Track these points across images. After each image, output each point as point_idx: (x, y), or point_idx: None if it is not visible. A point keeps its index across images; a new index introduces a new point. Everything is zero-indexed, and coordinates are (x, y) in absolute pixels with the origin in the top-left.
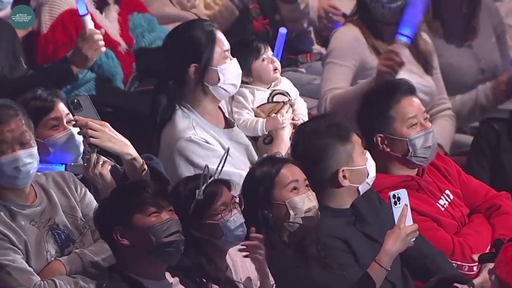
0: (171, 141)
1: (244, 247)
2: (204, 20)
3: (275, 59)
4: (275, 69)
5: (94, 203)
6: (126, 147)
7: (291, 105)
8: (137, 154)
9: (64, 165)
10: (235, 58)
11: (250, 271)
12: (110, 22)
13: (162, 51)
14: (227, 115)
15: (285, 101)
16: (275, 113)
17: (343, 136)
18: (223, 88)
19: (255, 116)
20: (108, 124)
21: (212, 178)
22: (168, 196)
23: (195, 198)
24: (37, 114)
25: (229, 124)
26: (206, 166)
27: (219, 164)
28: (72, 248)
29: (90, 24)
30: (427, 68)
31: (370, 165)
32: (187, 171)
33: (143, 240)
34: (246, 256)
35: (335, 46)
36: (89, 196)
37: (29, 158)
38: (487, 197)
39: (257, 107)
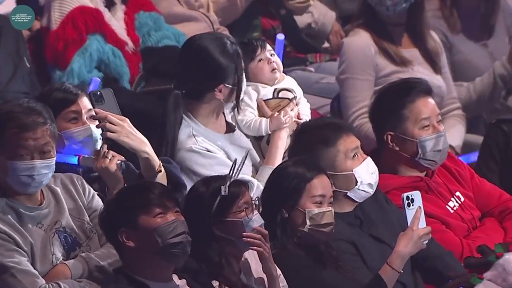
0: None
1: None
2: (227, 36)
3: (272, 58)
4: (273, 69)
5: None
6: (143, 144)
7: (297, 104)
8: (154, 154)
9: (77, 157)
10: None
11: (262, 274)
12: (117, 21)
13: (181, 63)
14: (228, 118)
15: (290, 98)
16: (280, 110)
17: (326, 139)
18: (239, 105)
19: (260, 111)
20: (128, 120)
21: (232, 179)
22: (174, 197)
23: (219, 196)
24: (58, 105)
25: (230, 128)
26: (235, 159)
27: (239, 164)
28: (78, 252)
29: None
30: (435, 67)
31: (365, 172)
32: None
33: (149, 241)
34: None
35: (350, 59)
36: (97, 200)
37: (46, 169)
38: (500, 201)
39: (264, 101)
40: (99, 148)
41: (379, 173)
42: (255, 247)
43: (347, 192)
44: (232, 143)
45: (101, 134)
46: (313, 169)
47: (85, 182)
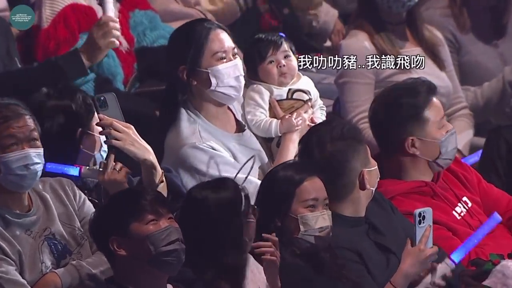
0: (174, 149)
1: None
2: (206, 19)
3: (283, 61)
4: (283, 74)
5: None
6: (148, 153)
7: (312, 106)
8: (157, 163)
9: (78, 168)
10: (237, 59)
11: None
12: None
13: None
14: (238, 117)
15: (305, 99)
16: (293, 112)
17: (359, 138)
18: (220, 92)
19: (272, 112)
20: (133, 127)
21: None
22: (168, 203)
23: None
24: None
25: (240, 127)
26: (253, 156)
27: (249, 170)
28: (69, 260)
29: (110, 11)
30: (439, 63)
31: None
32: (192, 180)
33: (141, 249)
34: (261, 255)
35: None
36: (88, 205)
37: (38, 158)
38: (509, 206)
39: (277, 101)
40: (104, 159)
41: (382, 179)
42: (268, 257)
43: (373, 190)
44: (241, 143)
45: (105, 142)
46: (303, 171)
47: (75, 187)
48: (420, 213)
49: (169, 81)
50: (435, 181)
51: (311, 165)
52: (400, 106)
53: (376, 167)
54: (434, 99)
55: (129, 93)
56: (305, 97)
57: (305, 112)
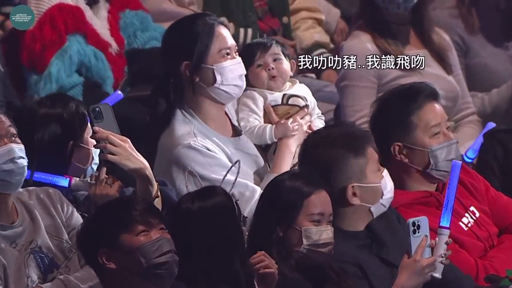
0: (168, 149)
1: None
2: (208, 14)
3: (272, 64)
4: (273, 77)
5: None
6: (144, 168)
7: (310, 114)
8: (153, 178)
9: (68, 179)
10: (239, 58)
11: None
12: (100, 20)
13: (160, 48)
14: (234, 121)
15: (301, 105)
16: (289, 117)
17: (356, 148)
18: (223, 90)
19: (266, 118)
20: (129, 141)
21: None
22: (159, 213)
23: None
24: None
25: (236, 132)
26: (238, 160)
27: (227, 173)
28: (56, 274)
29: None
30: (446, 67)
31: (386, 185)
32: (186, 182)
33: (132, 262)
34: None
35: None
36: (77, 216)
37: (22, 153)
38: None
39: (272, 107)
40: (96, 172)
41: None
42: (267, 270)
43: (371, 207)
44: (237, 148)
45: (99, 156)
46: (312, 183)
47: (63, 197)
48: (414, 222)
49: (164, 79)
50: (440, 191)
51: (319, 180)
52: (388, 109)
53: (377, 184)
54: (431, 104)
55: None
56: (302, 103)
57: (301, 118)
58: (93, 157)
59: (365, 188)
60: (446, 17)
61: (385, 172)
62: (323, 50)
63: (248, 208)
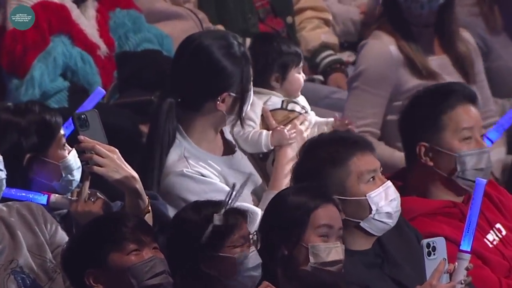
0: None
1: None
2: (229, 34)
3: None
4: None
5: None
6: (133, 181)
7: (309, 121)
8: (144, 192)
9: (45, 196)
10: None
11: None
12: (88, 20)
13: (175, 67)
14: (227, 135)
15: (301, 112)
16: (287, 123)
17: (335, 158)
18: (243, 117)
19: (264, 123)
20: (117, 151)
21: (228, 206)
22: (152, 231)
23: (211, 225)
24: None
25: (229, 149)
26: (234, 184)
27: (239, 189)
28: None
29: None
30: (467, 77)
31: (382, 199)
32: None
33: (122, 283)
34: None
35: (365, 67)
36: (62, 234)
37: (0, 165)
38: None
39: (270, 111)
40: (77, 186)
41: (405, 195)
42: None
43: (359, 222)
44: (231, 167)
45: (84, 167)
46: (318, 197)
47: (46, 213)
48: (428, 244)
49: (180, 96)
50: (465, 202)
51: (325, 193)
52: (417, 106)
53: (363, 197)
54: (466, 106)
55: (108, 104)
56: (301, 110)
57: (301, 124)
58: (61, 173)
59: (346, 201)
60: (465, 16)
61: (387, 184)
62: (330, 51)
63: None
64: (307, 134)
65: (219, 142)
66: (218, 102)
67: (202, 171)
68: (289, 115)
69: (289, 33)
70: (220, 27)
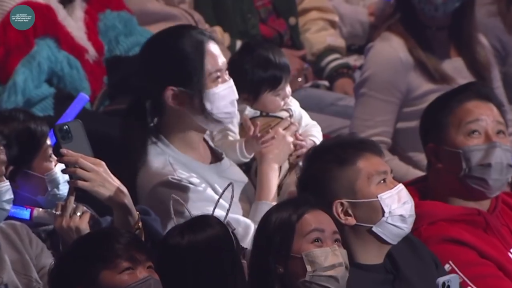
0: (144, 187)
1: None
2: (194, 27)
3: (288, 92)
4: (285, 103)
5: None
6: (121, 195)
7: (295, 124)
8: (133, 207)
9: (28, 210)
10: (230, 79)
11: None
12: (75, 22)
13: (138, 61)
14: (211, 144)
15: (283, 117)
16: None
17: (343, 158)
18: (213, 119)
19: (244, 132)
20: (104, 164)
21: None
22: (147, 249)
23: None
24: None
25: (216, 157)
26: (231, 183)
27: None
28: None
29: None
30: (485, 82)
31: (394, 200)
32: (167, 223)
33: None
34: None
35: (373, 72)
36: (48, 254)
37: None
38: None
39: (250, 119)
40: (63, 201)
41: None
42: None
43: (371, 227)
44: (221, 175)
45: (69, 182)
46: (300, 206)
47: (31, 233)
48: (444, 283)
49: (139, 102)
50: (491, 211)
51: (310, 201)
52: (429, 108)
53: (375, 198)
54: (475, 101)
55: (96, 112)
56: (284, 114)
57: (284, 129)
58: (47, 187)
59: (357, 205)
60: (483, 16)
61: (399, 187)
62: (337, 55)
63: (244, 245)
64: (292, 139)
65: (205, 150)
66: (166, 98)
67: (189, 178)
68: (270, 123)
69: (292, 35)
70: (217, 28)
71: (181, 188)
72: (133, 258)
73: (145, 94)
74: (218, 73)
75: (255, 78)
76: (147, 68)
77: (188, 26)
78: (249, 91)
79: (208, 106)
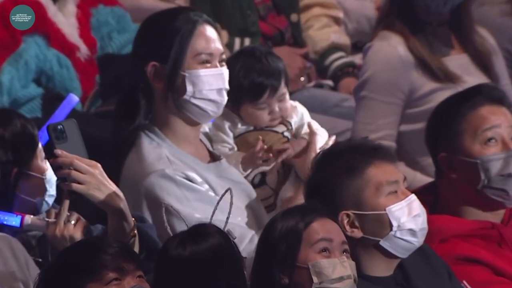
0: (136, 180)
1: None
2: (194, 9)
3: (277, 108)
4: (273, 119)
5: None
6: (117, 199)
7: (295, 135)
8: (129, 213)
9: (19, 217)
10: (224, 68)
11: None
12: (66, 18)
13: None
14: (209, 147)
15: (279, 131)
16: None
17: (351, 166)
18: (194, 104)
19: (243, 145)
20: (99, 166)
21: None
22: (137, 258)
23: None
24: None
25: (214, 157)
26: (229, 189)
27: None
28: None
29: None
30: (490, 75)
31: (404, 214)
32: (157, 219)
33: None
34: None
35: (373, 73)
36: (34, 268)
37: None
38: None
39: (238, 137)
40: (53, 206)
41: (436, 212)
42: None
43: (379, 241)
44: (220, 175)
45: (62, 185)
46: (308, 213)
47: (19, 244)
48: None
49: (132, 87)
50: (505, 223)
51: (318, 209)
52: (438, 112)
53: (383, 211)
54: (489, 107)
55: (87, 113)
56: (281, 128)
57: (279, 151)
58: (45, 188)
59: (364, 217)
60: (496, 16)
61: (410, 198)
62: (341, 53)
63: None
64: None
65: (203, 150)
66: (149, 73)
67: (187, 173)
68: (261, 135)
69: (294, 33)
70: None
71: (176, 183)
72: (121, 269)
73: (133, 74)
74: (209, 57)
75: (234, 84)
76: (136, 44)
77: (190, 7)
78: (231, 98)
79: (189, 88)
